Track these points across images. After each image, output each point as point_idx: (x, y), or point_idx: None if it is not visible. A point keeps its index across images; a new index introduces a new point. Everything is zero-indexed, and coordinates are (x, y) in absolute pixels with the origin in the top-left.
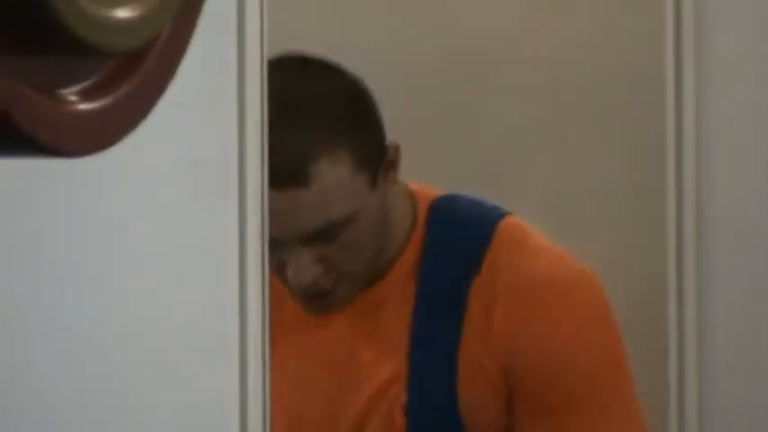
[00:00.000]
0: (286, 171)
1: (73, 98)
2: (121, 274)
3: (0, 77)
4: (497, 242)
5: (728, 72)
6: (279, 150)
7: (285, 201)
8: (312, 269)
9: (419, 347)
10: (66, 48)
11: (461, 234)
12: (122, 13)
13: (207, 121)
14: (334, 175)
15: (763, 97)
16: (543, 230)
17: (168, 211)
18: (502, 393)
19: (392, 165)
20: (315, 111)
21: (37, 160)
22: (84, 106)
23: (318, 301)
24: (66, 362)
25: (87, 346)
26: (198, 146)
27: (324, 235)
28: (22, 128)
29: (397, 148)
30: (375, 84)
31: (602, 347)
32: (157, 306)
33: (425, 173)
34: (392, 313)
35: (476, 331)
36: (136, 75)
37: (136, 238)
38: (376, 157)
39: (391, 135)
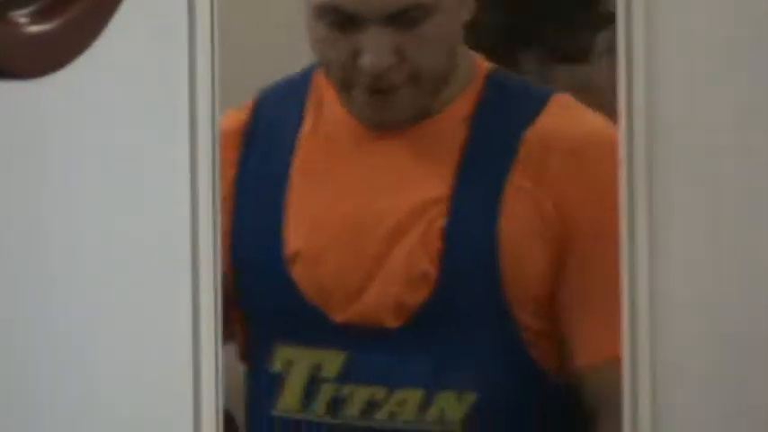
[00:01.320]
0: None
1: (23, 20)
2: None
3: None
4: (551, 107)
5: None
6: None
7: None
8: (389, 54)
9: (466, 174)
10: None
11: (516, 99)
12: None
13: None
14: None
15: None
16: None
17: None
18: (544, 237)
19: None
20: None
21: None
22: (34, 28)
23: (382, 98)
24: None
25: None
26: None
27: (406, 17)
28: None
29: None
30: None
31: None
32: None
33: None
34: (444, 145)
35: (526, 171)
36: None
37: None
38: None
39: None
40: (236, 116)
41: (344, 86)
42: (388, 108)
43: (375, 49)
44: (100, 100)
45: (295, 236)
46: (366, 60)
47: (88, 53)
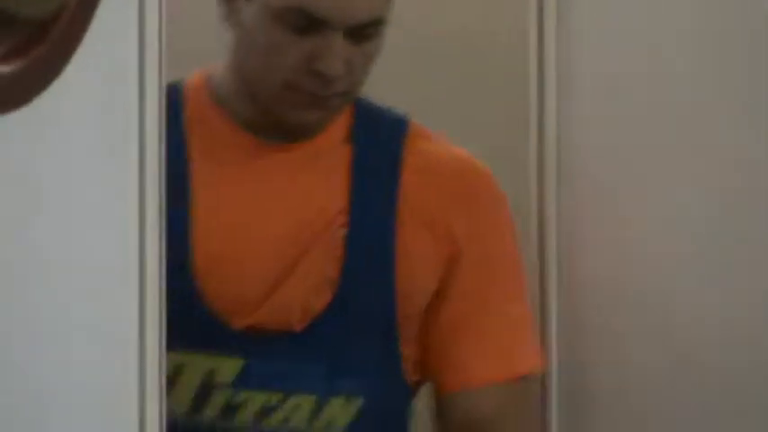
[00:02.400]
0: None
1: None
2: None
3: None
4: (413, 131)
5: None
6: None
7: None
8: (344, 64)
9: (360, 187)
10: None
11: (382, 121)
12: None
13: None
14: None
15: None
16: None
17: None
18: (436, 253)
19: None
20: None
21: None
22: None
23: (318, 104)
24: None
25: None
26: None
27: (363, 32)
28: None
29: None
30: None
31: (513, 241)
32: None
33: None
34: (333, 161)
35: (413, 189)
36: (45, 42)
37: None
38: None
39: None
40: None
41: (285, 89)
42: (314, 115)
43: (335, 56)
44: (58, 133)
45: (202, 246)
46: (324, 66)
47: (47, 91)
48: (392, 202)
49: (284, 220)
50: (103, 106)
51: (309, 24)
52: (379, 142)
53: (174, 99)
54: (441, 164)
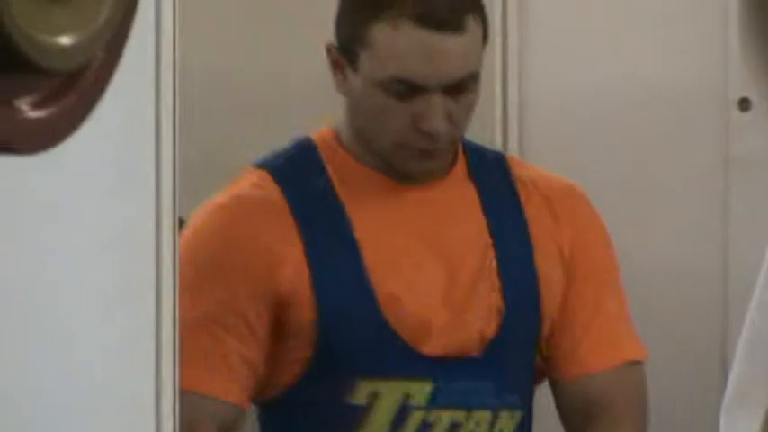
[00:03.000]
0: (445, 16)
1: (25, 107)
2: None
3: None
4: (511, 161)
5: None
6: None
7: (441, 43)
8: (446, 119)
9: (494, 219)
10: (20, 68)
11: (487, 157)
12: (63, 41)
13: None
14: (476, 32)
15: None
16: None
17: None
18: (562, 269)
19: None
20: None
21: None
22: (33, 114)
23: (429, 156)
24: None
25: None
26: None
27: (460, 87)
28: None
29: None
30: None
31: (611, 247)
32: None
33: None
34: (464, 199)
35: (535, 211)
36: (74, 91)
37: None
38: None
39: None
40: (266, 195)
41: (397, 147)
42: (429, 165)
43: (436, 115)
44: (83, 173)
45: (382, 287)
46: (428, 125)
47: (74, 135)
48: (524, 231)
49: (443, 256)
50: (122, 149)
51: (410, 90)
52: (493, 176)
53: (313, 151)
54: (547, 188)
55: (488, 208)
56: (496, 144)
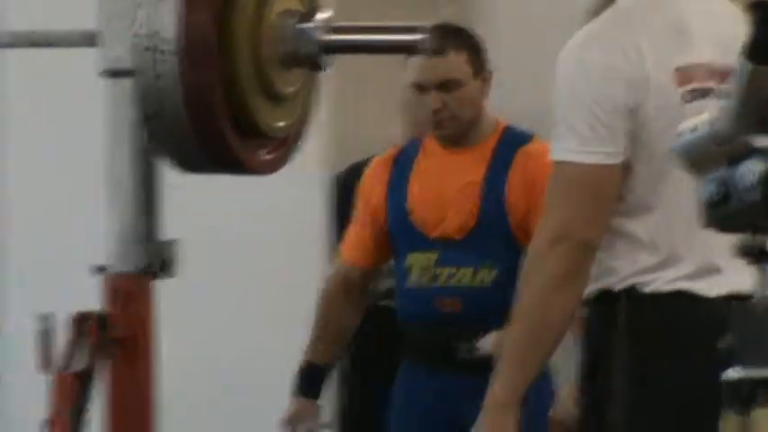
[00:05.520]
0: (434, 51)
1: (262, 154)
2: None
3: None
4: (533, 141)
5: None
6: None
7: (432, 61)
8: (440, 102)
9: (490, 170)
10: (260, 136)
11: (516, 138)
12: (280, 124)
13: None
14: (457, 57)
15: None
16: None
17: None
18: (525, 198)
19: (485, 80)
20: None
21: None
22: (266, 157)
23: (439, 129)
24: None
25: None
26: None
27: (447, 84)
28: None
29: (491, 73)
30: None
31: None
32: None
33: None
34: (481, 159)
35: (516, 170)
36: (284, 146)
37: None
38: (480, 67)
39: None
40: (387, 156)
41: (427, 121)
42: (439, 131)
43: (435, 100)
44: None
45: (414, 198)
46: (431, 106)
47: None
48: (505, 173)
49: (450, 185)
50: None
51: (422, 89)
52: (509, 149)
53: (416, 142)
54: (535, 156)
55: (490, 165)
56: None
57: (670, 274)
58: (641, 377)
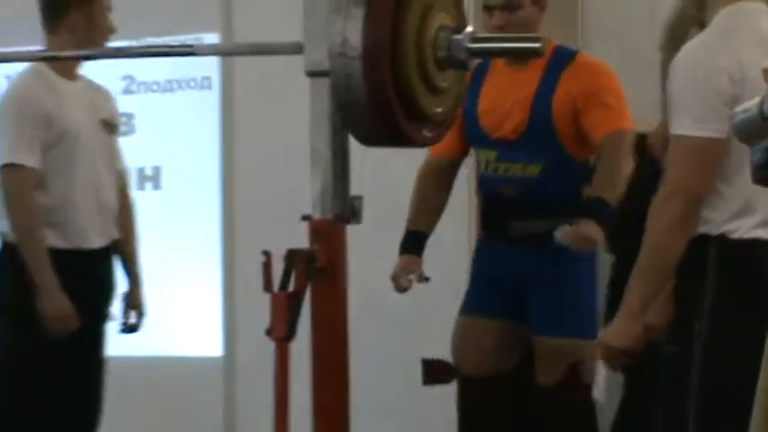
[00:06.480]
0: None
1: (425, 131)
2: None
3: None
4: (579, 55)
5: None
6: None
7: None
8: (502, 21)
9: (542, 85)
10: (424, 119)
11: (564, 56)
12: (438, 109)
13: None
14: None
15: None
16: None
17: None
18: (573, 106)
19: (542, 8)
20: None
21: None
22: (428, 134)
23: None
24: None
25: None
26: None
27: (510, 6)
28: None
29: (546, 2)
30: None
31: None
32: None
33: None
34: (535, 75)
35: (565, 81)
36: (442, 125)
37: None
38: None
39: None
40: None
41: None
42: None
43: (496, 17)
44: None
45: (482, 105)
46: (493, 23)
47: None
48: (553, 87)
49: (509, 96)
50: None
51: (489, 8)
52: (556, 64)
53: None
54: (583, 68)
55: (541, 81)
56: None
57: (748, 222)
58: (723, 298)
